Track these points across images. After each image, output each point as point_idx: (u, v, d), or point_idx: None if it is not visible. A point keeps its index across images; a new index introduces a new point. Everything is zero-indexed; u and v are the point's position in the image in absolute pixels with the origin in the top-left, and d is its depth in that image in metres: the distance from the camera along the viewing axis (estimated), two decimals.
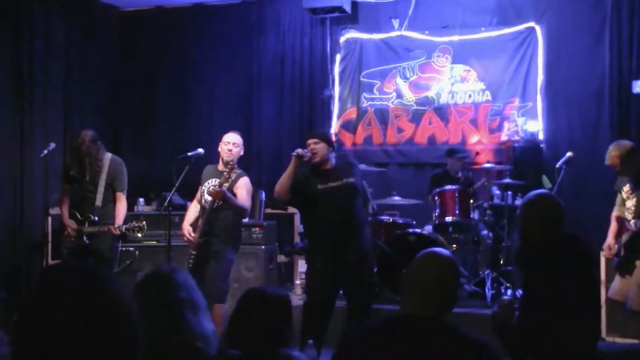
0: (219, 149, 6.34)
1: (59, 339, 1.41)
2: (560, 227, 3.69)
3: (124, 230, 6.40)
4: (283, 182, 5.91)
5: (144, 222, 6.45)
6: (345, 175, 5.92)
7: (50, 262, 7.40)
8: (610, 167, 6.22)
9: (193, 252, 6.14)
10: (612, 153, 6.07)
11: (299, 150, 5.85)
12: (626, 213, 6.11)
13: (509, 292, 7.39)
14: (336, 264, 5.75)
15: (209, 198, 6.12)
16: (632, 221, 5.84)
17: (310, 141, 5.92)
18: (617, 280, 5.95)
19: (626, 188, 6.13)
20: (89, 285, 1.49)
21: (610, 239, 6.28)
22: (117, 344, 1.47)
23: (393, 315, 2.77)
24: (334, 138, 9.17)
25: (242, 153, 6.39)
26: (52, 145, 7.00)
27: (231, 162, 6.12)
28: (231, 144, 6.27)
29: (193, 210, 6.46)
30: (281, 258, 8.74)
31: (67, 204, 6.70)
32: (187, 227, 6.28)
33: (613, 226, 6.29)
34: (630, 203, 6.03)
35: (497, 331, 3.63)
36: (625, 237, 5.91)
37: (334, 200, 5.81)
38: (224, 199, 6.02)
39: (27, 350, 1.44)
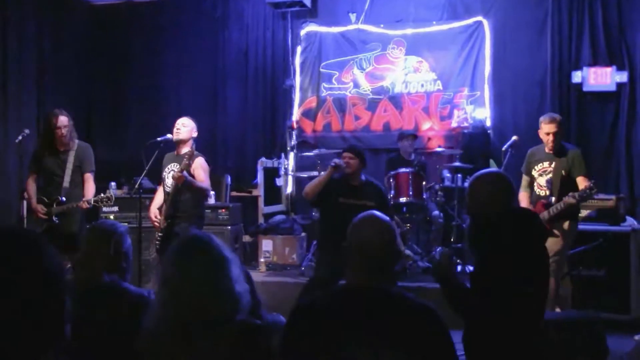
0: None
1: None
2: (510, 201, 3.64)
3: (92, 203, 6.28)
4: (315, 185, 6.02)
5: (111, 193, 6.36)
6: (369, 198, 5.89)
7: None
8: (546, 134, 6.02)
9: (159, 234, 6.07)
10: (554, 117, 6.00)
11: (337, 161, 5.97)
12: (537, 189, 6.11)
13: (459, 267, 7.42)
14: (336, 272, 5.58)
15: (172, 182, 6.04)
16: (553, 198, 5.87)
17: (347, 154, 6.07)
18: None
19: (538, 167, 6.10)
20: (15, 245, 1.44)
21: None
22: (41, 303, 1.41)
23: (341, 287, 2.67)
24: (295, 126, 9.25)
25: (194, 134, 6.25)
26: (27, 131, 6.91)
27: (189, 151, 5.99)
28: (180, 124, 6.20)
29: (160, 195, 6.36)
30: (246, 238, 8.73)
31: (34, 189, 6.55)
32: (153, 211, 6.23)
33: (524, 205, 6.16)
34: (543, 179, 6.03)
35: (438, 278, 3.52)
36: (552, 210, 5.82)
37: (349, 217, 5.74)
38: (185, 183, 5.92)
39: None
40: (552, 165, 6.01)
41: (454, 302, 3.45)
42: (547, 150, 6.05)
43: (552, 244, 5.71)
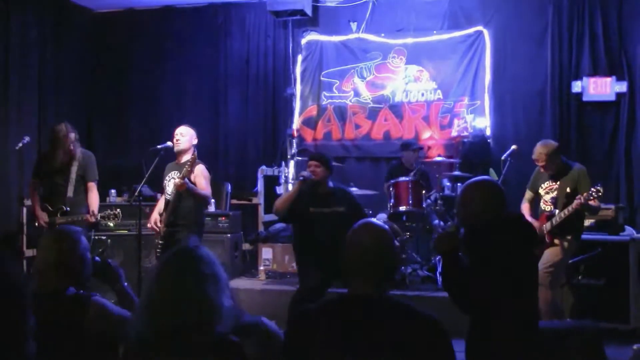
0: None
1: None
2: (501, 208, 3.61)
3: (99, 218, 6.32)
4: (285, 200, 6.02)
5: (119, 210, 6.39)
6: (338, 204, 5.95)
7: (25, 251, 7.24)
8: (535, 161, 6.15)
9: (160, 242, 6.08)
10: (540, 150, 6.03)
11: (305, 174, 5.97)
12: (543, 205, 6.18)
13: None
14: (322, 281, 5.71)
15: (173, 190, 6.05)
16: (557, 211, 5.91)
17: (312, 162, 6.05)
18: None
19: (545, 185, 6.15)
20: None
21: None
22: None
23: (341, 296, 2.64)
24: (295, 134, 9.25)
25: (194, 142, 6.30)
26: (27, 138, 6.92)
27: (191, 158, 6.02)
28: (179, 134, 6.23)
29: (162, 203, 6.38)
30: (246, 246, 8.73)
31: (37, 196, 6.57)
32: (154, 217, 6.24)
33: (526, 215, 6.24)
34: (549, 197, 6.08)
35: (442, 247, 3.53)
36: (556, 220, 5.88)
37: (322, 226, 5.83)
38: (187, 191, 5.95)
39: None
40: (558, 184, 6.05)
41: (450, 275, 3.48)
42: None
43: (551, 255, 5.83)
